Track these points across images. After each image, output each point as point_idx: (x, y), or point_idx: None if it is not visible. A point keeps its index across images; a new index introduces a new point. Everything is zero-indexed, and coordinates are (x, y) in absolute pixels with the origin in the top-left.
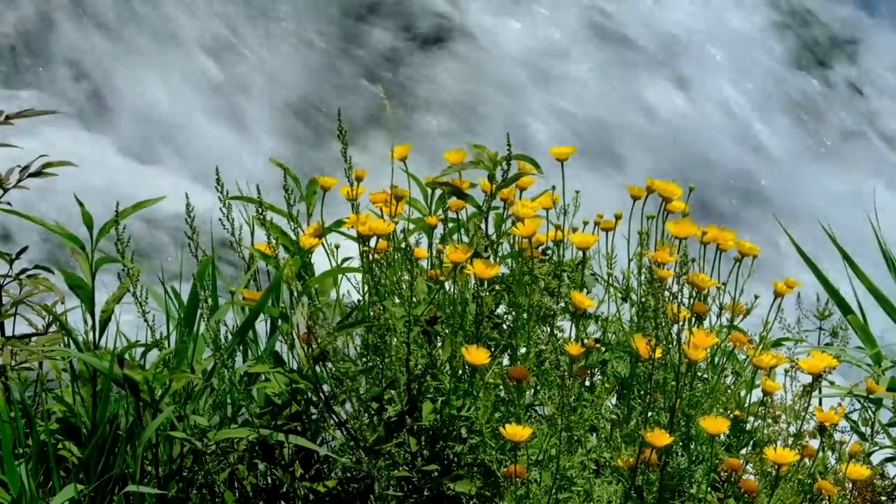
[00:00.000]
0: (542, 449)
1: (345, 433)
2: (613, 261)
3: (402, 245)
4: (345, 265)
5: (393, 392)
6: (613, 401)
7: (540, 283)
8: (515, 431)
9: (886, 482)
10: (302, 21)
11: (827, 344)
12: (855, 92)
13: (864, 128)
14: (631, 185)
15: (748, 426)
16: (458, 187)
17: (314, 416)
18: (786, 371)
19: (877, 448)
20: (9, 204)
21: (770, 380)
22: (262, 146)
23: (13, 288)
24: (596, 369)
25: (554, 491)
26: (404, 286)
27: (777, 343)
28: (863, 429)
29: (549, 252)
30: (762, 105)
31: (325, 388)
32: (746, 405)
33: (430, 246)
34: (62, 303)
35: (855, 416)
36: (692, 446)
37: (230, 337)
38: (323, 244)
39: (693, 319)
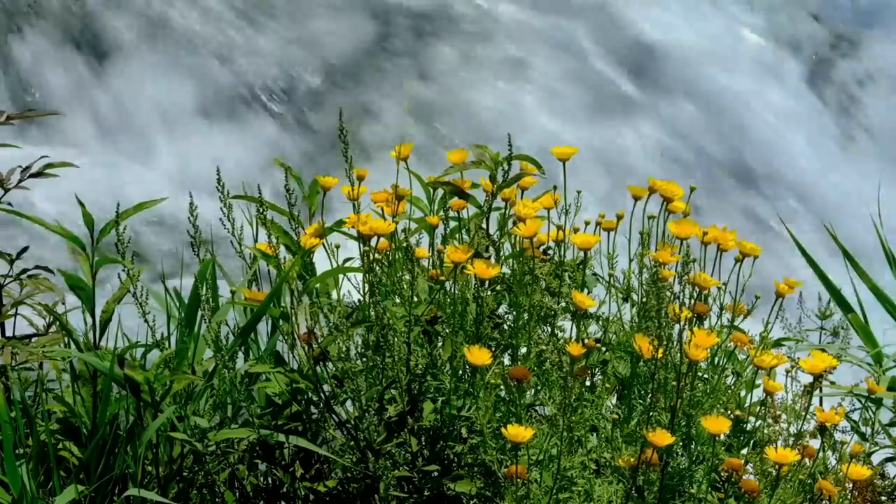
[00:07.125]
0: (543, 449)
1: (345, 433)
2: (615, 261)
3: (404, 245)
4: (346, 265)
5: (394, 392)
6: (614, 401)
7: (541, 282)
8: (517, 432)
9: (887, 482)
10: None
11: (828, 343)
12: (858, 89)
13: (868, 126)
14: (632, 185)
15: (749, 426)
16: (460, 187)
17: (314, 416)
18: (787, 371)
19: (877, 448)
20: (9, 204)
21: (771, 380)
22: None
23: (14, 288)
24: (596, 369)
25: (554, 491)
26: (405, 286)
27: (777, 343)
28: (863, 429)
29: (551, 252)
30: (762, 103)
31: (326, 388)
32: (747, 405)
33: (431, 245)
34: (63, 303)
35: (855, 416)
36: (693, 446)
37: (231, 337)
38: (324, 244)
39: (694, 319)
